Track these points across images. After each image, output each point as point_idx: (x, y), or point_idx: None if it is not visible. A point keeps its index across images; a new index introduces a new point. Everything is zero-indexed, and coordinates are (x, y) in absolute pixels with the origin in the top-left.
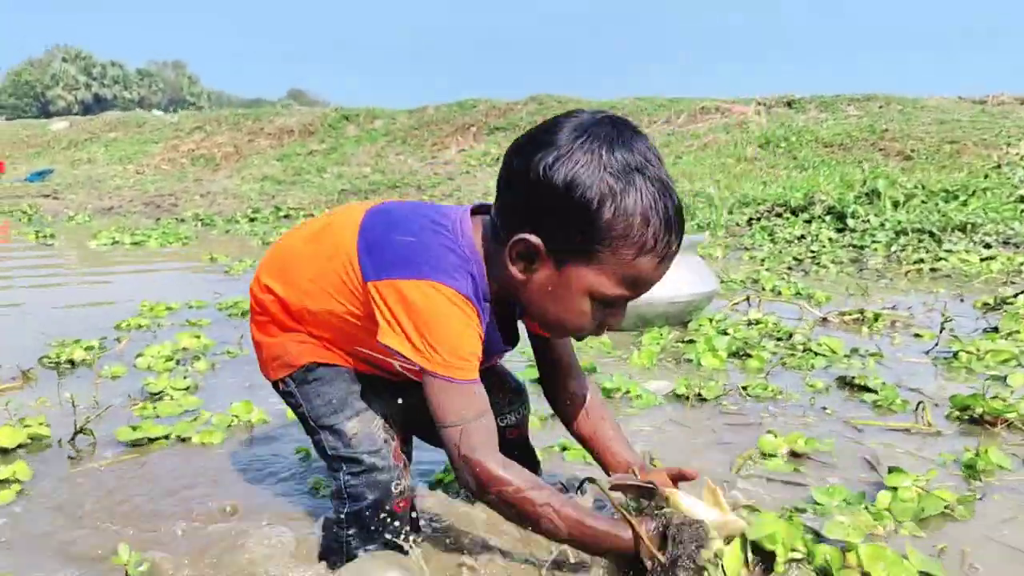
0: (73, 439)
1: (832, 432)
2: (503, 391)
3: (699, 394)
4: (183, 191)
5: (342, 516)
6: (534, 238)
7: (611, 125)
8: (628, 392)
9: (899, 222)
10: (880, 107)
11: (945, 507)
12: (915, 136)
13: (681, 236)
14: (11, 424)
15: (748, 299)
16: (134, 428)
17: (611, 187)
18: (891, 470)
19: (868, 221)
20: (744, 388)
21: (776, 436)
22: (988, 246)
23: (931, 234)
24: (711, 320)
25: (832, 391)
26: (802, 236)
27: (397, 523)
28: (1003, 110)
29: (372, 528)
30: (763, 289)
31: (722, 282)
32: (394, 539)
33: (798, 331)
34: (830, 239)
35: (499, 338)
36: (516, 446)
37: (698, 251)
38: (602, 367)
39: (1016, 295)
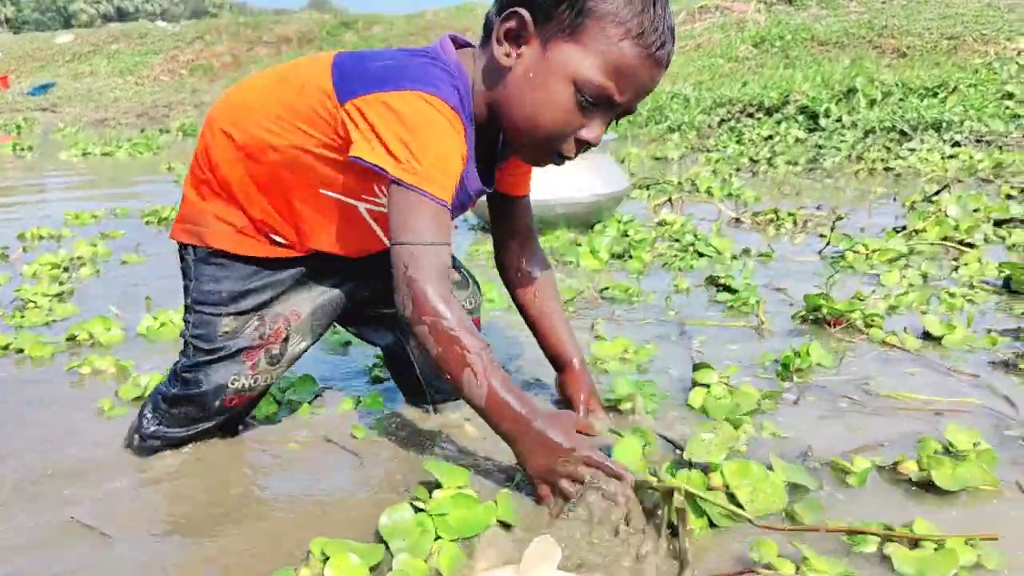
0: None
1: (667, 333)
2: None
3: None
4: (178, 102)
5: (170, 394)
6: (524, 11)
7: None
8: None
9: (870, 121)
10: (883, 2)
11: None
12: (914, 32)
13: (672, 44)
14: None
15: (670, 200)
16: None
17: None
18: (696, 367)
19: (840, 120)
20: (604, 289)
21: (606, 342)
22: (957, 144)
23: (902, 132)
24: (619, 221)
25: (693, 291)
26: (770, 136)
27: (211, 422)
28: (1010, 4)
29: (185, 415)
30: (697, 190)
31: (656, 183)
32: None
33: (701, 233)
34: (797, 139)
35: (476, 174)
36: None
37: (608, 152)
38: (477, 269)
39: (937, 192)
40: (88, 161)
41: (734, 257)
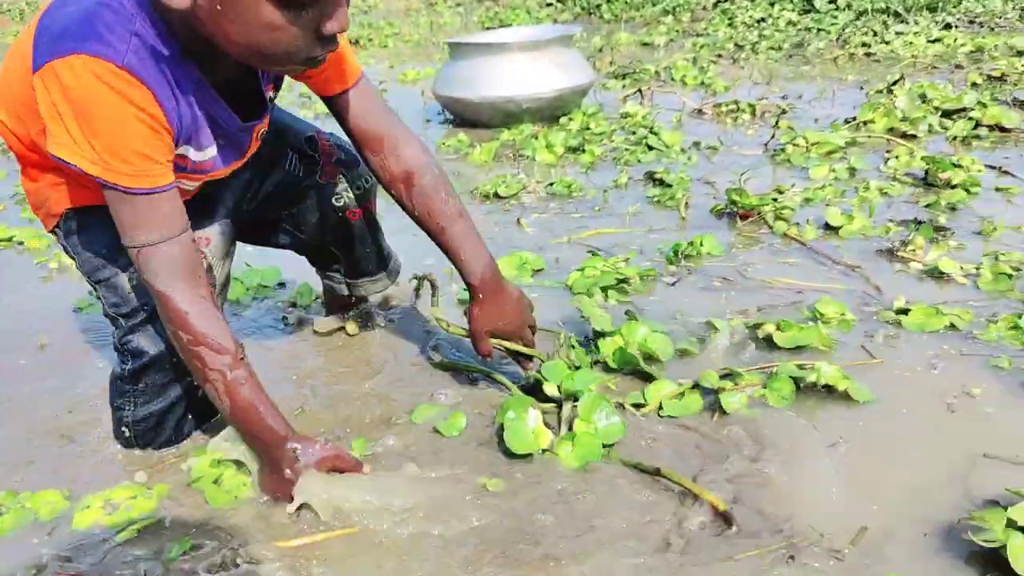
0: None
1: (586, 225)
2: (329, 165)
3: (496, 192)
4: None
5: (126, 371)
6: None
7: None
8: None
9: (864, 2)
10: None
11: (624, 280)
12: None
13: None
14: None
15: (640, 91)
16: None
17: None
18: (593, 253)
19: (834, 1)
20: (550, 184)
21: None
22: (949, 27)
23: (895, 14)
24: (584, 114)
25: (631, 185)
26: (762, 19)
27: (185, 383)
28: None
29: (160, 383)
30: (673, 80)
31: (632, 73)
32: (189, 392)
33: (658, 126)
34: (790, 22)
35: (228, 112)
36: (358, 229)
37: (574, 45)
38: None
39: (895, 81)
40: None
41: (682, 150)
